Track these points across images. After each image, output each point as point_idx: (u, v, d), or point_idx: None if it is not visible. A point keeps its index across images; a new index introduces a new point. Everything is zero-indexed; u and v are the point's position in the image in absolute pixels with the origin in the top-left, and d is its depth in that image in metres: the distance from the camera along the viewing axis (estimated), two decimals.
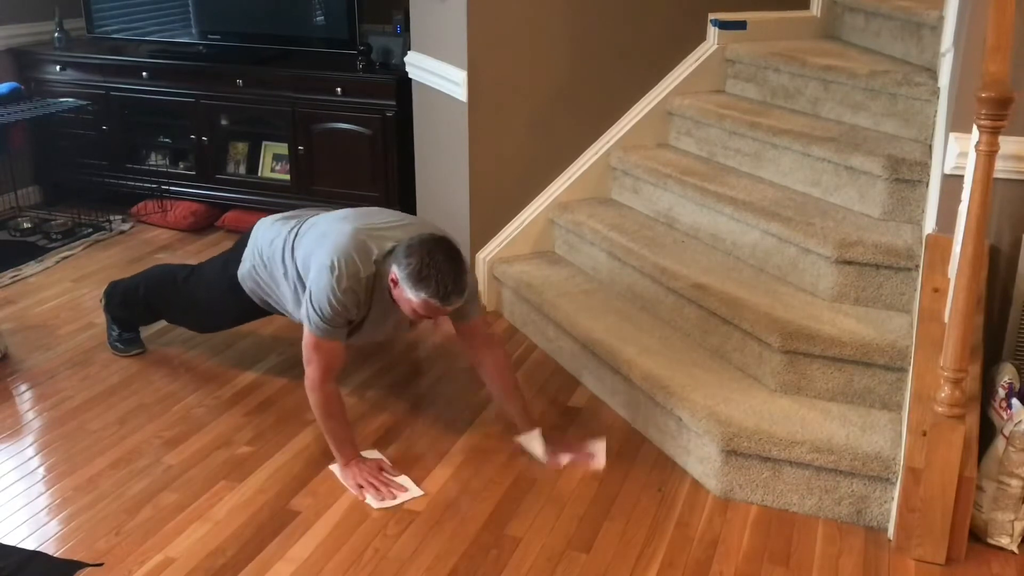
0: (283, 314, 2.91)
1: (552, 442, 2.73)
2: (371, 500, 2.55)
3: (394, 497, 2.56)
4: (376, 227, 2.59)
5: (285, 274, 2.74)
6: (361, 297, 2.53)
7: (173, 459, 2.73)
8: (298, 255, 2.69)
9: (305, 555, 2.34)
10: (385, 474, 2.64)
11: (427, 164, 3.99)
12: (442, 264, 2.39)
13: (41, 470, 2.68)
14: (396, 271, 2.43)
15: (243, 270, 2.88)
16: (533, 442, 2.72)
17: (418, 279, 2.38)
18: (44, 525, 2.44)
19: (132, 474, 2.66)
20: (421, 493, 2.58)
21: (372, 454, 2.75)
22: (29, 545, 2.36)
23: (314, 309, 2.51)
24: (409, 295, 2.42)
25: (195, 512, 2.50)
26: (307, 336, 2.57)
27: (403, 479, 2.64)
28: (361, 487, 2.58)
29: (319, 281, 2.51)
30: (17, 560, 2.30)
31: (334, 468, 2.66)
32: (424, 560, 2.33)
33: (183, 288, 3.10)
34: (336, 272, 2.47)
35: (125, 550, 2.35)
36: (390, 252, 2.50)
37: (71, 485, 2.61)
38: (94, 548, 2.36)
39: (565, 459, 2.71)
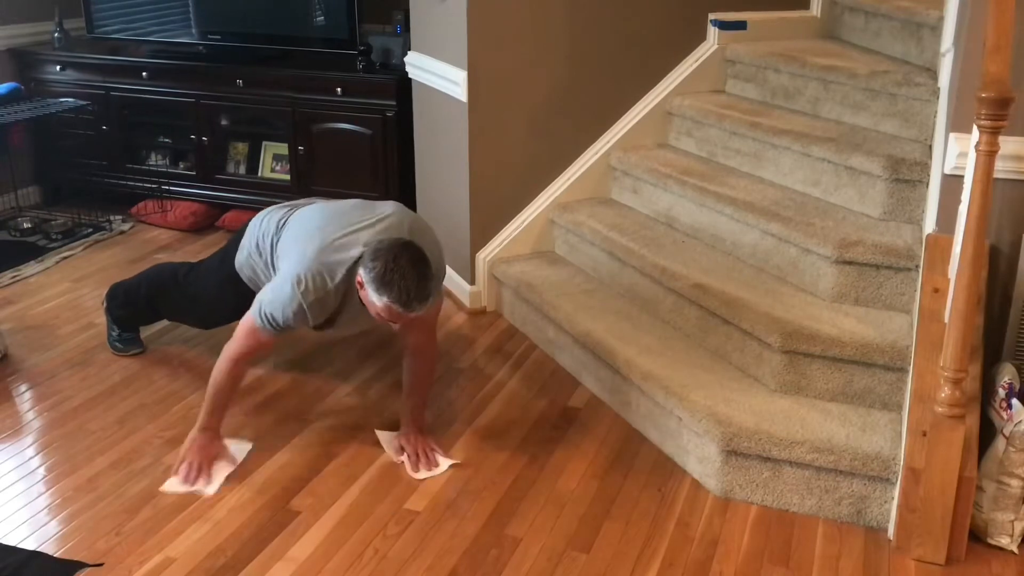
0: None
1: (404, 426, 2.80)
2: (174, 480, 2.60)
3: (191, 485, 2.59)
4: (347, 232, 2.55)
5: (273, 263, 2.75)
6: (331, 304, 2.54)
7: (173, 459, 2.72)
8: (278, 251, 2.71)
9: (305, 555, 2.34)
10: (215, 462, 2.67)
11: (427, 164, 3.99)
12: (406, 269, 2.36)
13: (41, 470, 2.68)
14: (362, 273, 2.42)
15: (240, 258, 2.89)
16: (390, 439, 2.81)
17: (381, 283, 2.36)
18: (44, 525, 2.44)
19: (132, 474, 2.66)
20: (214, 492, 2.58)
21: (240, 445, 2.78)
22: (29, 545, 2.36)
23: (268, 311, 2.53)
24: (373, 298, 2.40)
25: (195, 512, 2.50)
26: (248, 321, 2.59)
27: (219, 477, 2.64)
28: (186, 461, 2.63)
29: (282, 290, 2.51)
30: (17, 560, 2.30)
31: (190, 436, 2.67)
32: (424, 560, 2.33)
33: (184, 283, 3.11)
34: (303, 286, 2.48)
35: (125, 550, 2.35)
36: (360, 257, 2.49)
37: (71, 485, 2.61)
38: (94, 548, 2.36)
39: (402, 458, 2.74)
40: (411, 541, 2.40)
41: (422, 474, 2.67)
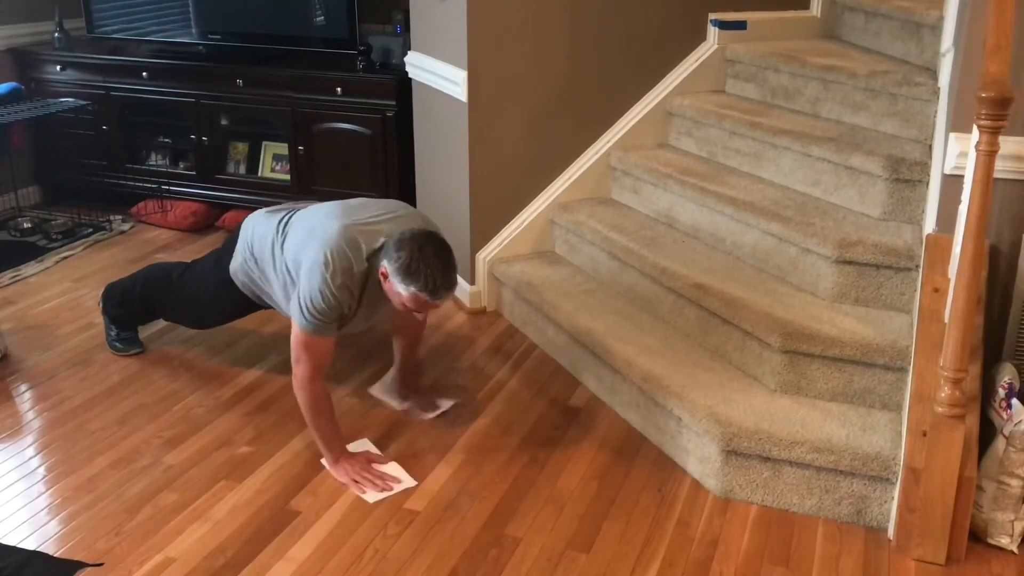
0: (274, 308, 2.92)
1: (403, 390, 2.98)
2: (368, 495, 2.56)
3: (390, 489, 2.59)
4: (365, 221, 2.58)
5: (275, 267, 2.75)
6: (354, 292, 2.53)
7: (173, 459, 2.73)
8: (287, 249, 2.70)
9: (305, 555, 2.34)
10: (375, 466, 2.67)
11: (427, 164, 3.99)
12: (431, 259, 2.40)
13: (41, 470, 2.68)
14: (386, 264, 2.44)
15: (235, 264, 2.89)
16: (388, 392, 2.99)
17: (407, 273, 2.39)
18: (44, 525, 2.44)
19: (132, 474, 2.66)
20: (415, 483, 2.63)
21: (361, 445, 2.78)
22: (29, 545, 2.36)
23: (306, 305, 2.51)
24: (399, 288, 2.42)
25: (195, 512, 2.50)
26: (296, 334, 2.57)
27: (392, 466, 2.69)
28: (356, 482, 2.60)
29: (312, 277, 2.50)
30: (17, 560, 2.30)
31: (324, 463, 2.69)
32: (424, 560, 2.33)
33: (178, 285, 3.11)
34: (330, 268, 2.48)
35: (125, 550, 2.35)
36: (381, 247, 2.51)
37: (71, 485, 2.61)
38: (94, 548, 2.36)
39: (406, 405, 2.93)
40: (411, 541, 2.40)
41: (429, 413, 2.89)
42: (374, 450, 2.77)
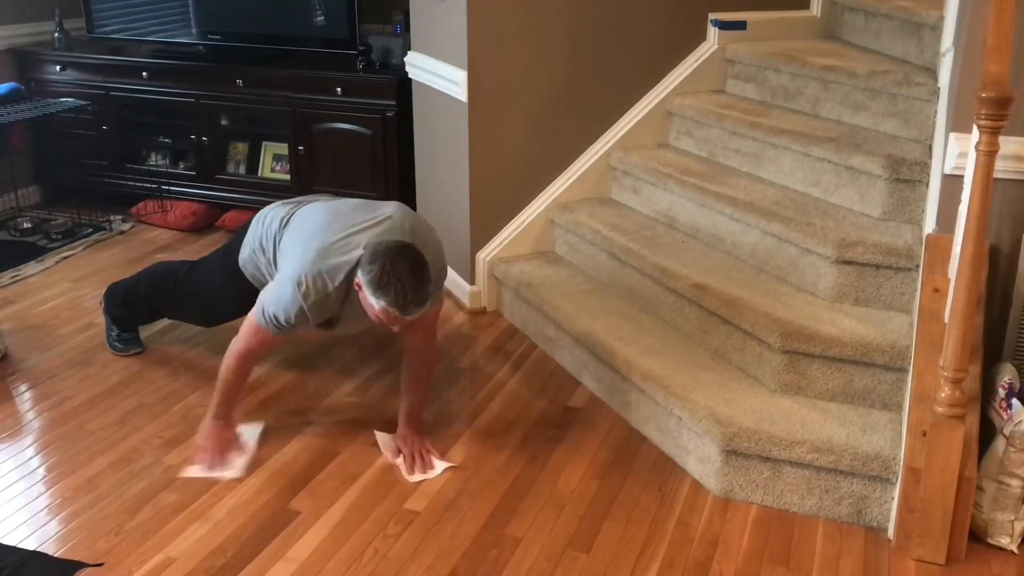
0: None
1: (402, 429, 2.80)
2: (195, 467, 2.66)
3: (210, 471, 2.65)
4: (347, 234, 2.55)
5: (275, 261, 2.76)
6: (333, 306, 2.55)
7: (173, 459, 2.73)
8: (281, 245, 2.72)
9: (305, 555, 2.34)
10: (227, 453, 2.71)
11: (427, 164, 3.99)
12: (403, 273, 2.36)
13: (41, 470, 2.68)
14: (360, 275, 2.43)
15: (244, 255, 2.89)
16: (387, 441, 2.80)
17: (378, 286, 2.36)
18: (44, 525, 2.45)
19: (132, 474, 2.66)
20: (239, 475, 2.64)
21: (251, 429, 2.84)
22: (29, 545, 2.36)
23: (272, 313, 2.55)
24: (371, 300, 2.41)
25: (195, 512, 2.50)
26: (252, 320, 2.62)
27: (239, 462, 2.70)
28: (202, 449, 2.69)
29: (282, 291, 2.53)
30: (17, 560, 2.30)
31: (203, 424, 2.74)
32: (424, 560, 2.33)
33: (184, 282, 3.11)
34: (303, 288, 2.49)
35: (125, 550, 2.35)
36: (359, 260, 2.49)
37: (71, 485, 2.61)
38: (94, 548, 2.36)
39: (399, 460, 2.73)
40: (411, 541, 2.40)
41: (417, 477, 2.66)
42: (246, 441, 2.78)
